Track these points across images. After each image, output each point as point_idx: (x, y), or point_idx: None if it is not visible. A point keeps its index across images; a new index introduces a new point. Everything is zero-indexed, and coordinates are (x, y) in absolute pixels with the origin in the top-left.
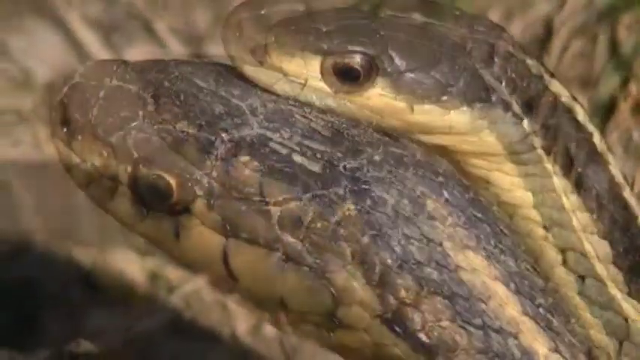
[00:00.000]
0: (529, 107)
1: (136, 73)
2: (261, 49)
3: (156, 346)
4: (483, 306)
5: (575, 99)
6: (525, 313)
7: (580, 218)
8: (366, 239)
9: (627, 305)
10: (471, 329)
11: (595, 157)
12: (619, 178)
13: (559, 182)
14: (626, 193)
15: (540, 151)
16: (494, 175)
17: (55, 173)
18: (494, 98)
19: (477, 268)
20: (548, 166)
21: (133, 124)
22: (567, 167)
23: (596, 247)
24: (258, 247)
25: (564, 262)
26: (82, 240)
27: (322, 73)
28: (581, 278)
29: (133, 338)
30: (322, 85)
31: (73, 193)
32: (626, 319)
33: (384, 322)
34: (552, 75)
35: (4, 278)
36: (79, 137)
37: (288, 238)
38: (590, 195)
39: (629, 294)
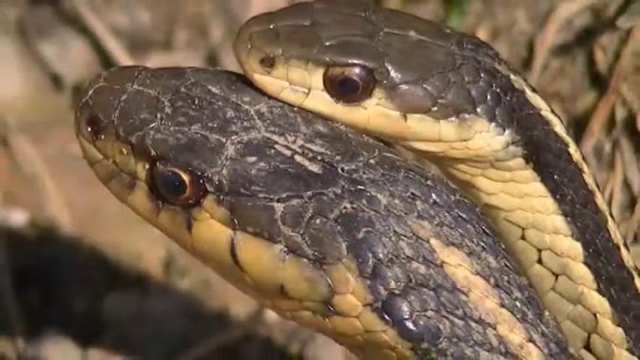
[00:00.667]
0: (511, 119)
1: (155, 79)
2: (269, 60)
3: (168, 325)
4: (465, 298)
5: (553, 112)
6: (503, 306)
7: (555, 221)
8: (360, 235)
9: (596, 301)
10: (454, 319)
11: (570, 165)
12: (592, 185)
13: (537, 188)
14: (598, 199)
15: (520, 159)
16: (479, 180)
17: (79, 168)
18: (479, 110)
19: (460, 264)
20: (528, 173)
21: (152, 125)
22: (545, 174)
23: (569, 248)
24: (262, 240)
25: (540, 261)
26: (103, 228)
27: (324, 83)
28: (555, 275)
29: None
30: (324, 94)
31: (95, 186)
32: (595, 314)
33: (375, 311)
34: (534, 90)
35: (33, 260)
36: (102, 136)
37: (290, 232)
38: (565, 200)
39: (598, 291)
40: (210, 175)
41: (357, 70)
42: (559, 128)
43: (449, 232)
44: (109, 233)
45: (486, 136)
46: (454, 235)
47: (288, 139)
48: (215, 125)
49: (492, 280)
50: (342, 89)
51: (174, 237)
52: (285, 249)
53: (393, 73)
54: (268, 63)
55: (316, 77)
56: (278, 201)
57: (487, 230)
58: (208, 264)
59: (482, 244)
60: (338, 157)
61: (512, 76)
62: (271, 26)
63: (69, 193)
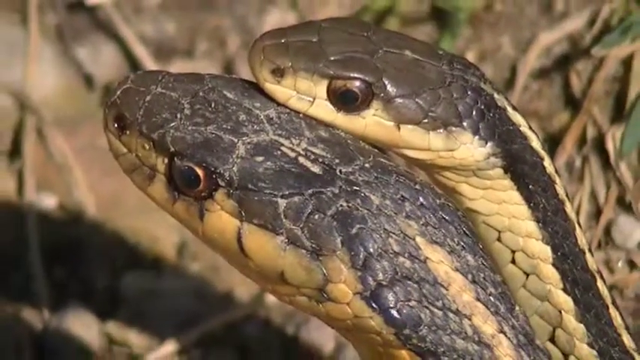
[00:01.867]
0: (493, 133)
1: (176, 83)
2: (280, 71)
3: (178, 303)
4: (445, 291)
5: (531, 129)
6: (479, 300)
7: (528, 226)
8: (354, 231)
9: (562, 299)
10: (434, 309)
11: (544, 177)
12: (562, 195)
13: (514, 196)
14: (567, 208)
15: (500, 169)
16: (462, 187)
17: (105, 160)
18: (465, 124)
19: (442, 260)
20: (506, 182)
21: (172, 124)
22: (521, 184)
23: (540, 251)
24: (266, 231)
25: (513, 261)
26: (124, 214)
27: (328, 93)
28: (526, 274)
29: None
30: (327, 103)
31: (119, 176)
32: (560, 311)
33: (364, 299)
34: (514, 108)
35: (61, 240)
36: (127, 132)
37: (291, 225)
38: (537, 208)
39: (564, 290)
40: (222, 171)
41: (357, 83)
42: (535, 143)
43: (433, 232)
44: (129, 219)
45: (470, 148)
46: (437, 234)
47: (293, 142)
48: (228, 127)
49: (470, 277)
50: (343, 100)
51: (188, 225)
52: (286, 240)
53: (389, 88)
54: (279, 73)
55: (321, 88)
56: (282, 197)
57: (467, 232)
58: (217, 250)
59: (463, 243)
60: (337, 160)
61: (495, 95)
62: (282, 41)
63: (95, 181)
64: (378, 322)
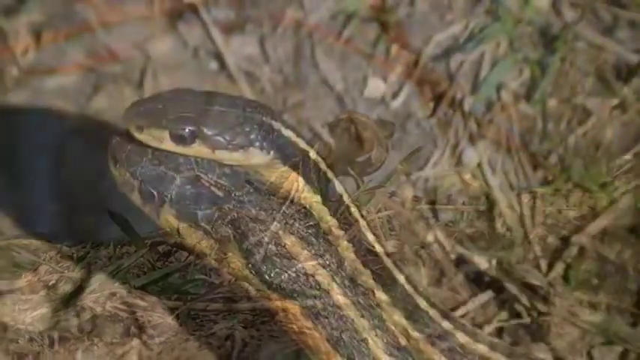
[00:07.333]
0: (272, 146)
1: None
2: (139, 127)
3: None
4: (296, 262)
5: (299, 135)
6: (319, 264)
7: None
8: (241, 229)
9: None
10: (289, 272)
11: (311, 163)
12: (330, 174)
13: (293, 176)
14: (338, 187)
15: (281, 164)
16: (265, 174)
17: None
18: (255, 145)
19: (295, 244)
20: (284, 169)
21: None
22: (298, 170)
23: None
24: (190, 227)
25: None
26: None
27: (170, 136)
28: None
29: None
30: (170, 141)
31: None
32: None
33: (248, 269)
34: (287, 127)
35: None
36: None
37: (206, 226)
38: (312, 183)
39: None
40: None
41: (186, 130)
42: (302, 144)
43: (289, 227)
44: None
45: (260, 156)
46: (293, 228)
47: (209, 176)
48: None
49: (313, 251)
50: (178, 140)
51: (149, 215)
52: (203, 233)
53: (205, 131)
54: (140, 128)
55: (165, 134)
56: (200, 210)
57: (313, 225)
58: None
59: (310, 232)
60: (233, 187)
61: (273, 122)
62: (141, 108)
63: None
64: (257, 282)
